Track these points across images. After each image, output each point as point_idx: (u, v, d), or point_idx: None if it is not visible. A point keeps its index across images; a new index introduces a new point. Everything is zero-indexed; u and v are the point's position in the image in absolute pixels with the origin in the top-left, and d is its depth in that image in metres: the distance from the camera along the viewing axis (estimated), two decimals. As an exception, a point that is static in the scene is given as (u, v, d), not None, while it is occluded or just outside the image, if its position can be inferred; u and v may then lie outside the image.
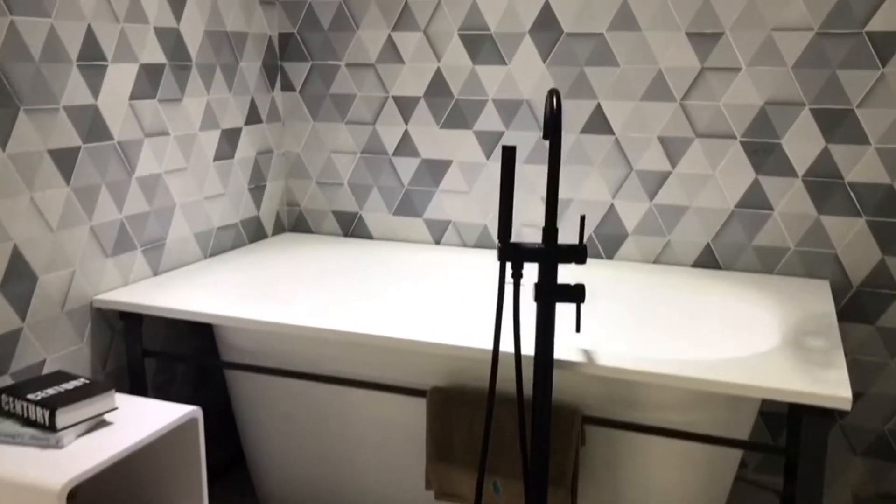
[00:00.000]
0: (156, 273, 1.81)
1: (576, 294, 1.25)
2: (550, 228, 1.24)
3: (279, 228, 2.28)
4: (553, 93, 1.23)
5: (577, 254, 1.24)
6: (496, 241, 1.67)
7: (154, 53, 1.77)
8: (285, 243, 2.16)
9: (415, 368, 1.52)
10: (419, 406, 1.56)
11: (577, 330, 1.29)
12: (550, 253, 1.24)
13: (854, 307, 1.82)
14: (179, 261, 1.89)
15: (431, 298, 2.04)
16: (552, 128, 1.21)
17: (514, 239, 2.07)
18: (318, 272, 2.05)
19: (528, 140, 2.01)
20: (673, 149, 1.90)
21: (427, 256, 2.07)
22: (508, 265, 1.83)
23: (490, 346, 1.37)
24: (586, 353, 1.33)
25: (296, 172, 2.27)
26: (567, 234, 2.01)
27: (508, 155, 1.23)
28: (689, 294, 1.78)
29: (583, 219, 1.25)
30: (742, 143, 1.85)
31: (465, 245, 2.14)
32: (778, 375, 1.25)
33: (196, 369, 1.97)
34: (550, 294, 1.25)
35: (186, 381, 1.94)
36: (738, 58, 1.81)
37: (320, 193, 2.25)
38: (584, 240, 1.30)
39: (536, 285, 1.25)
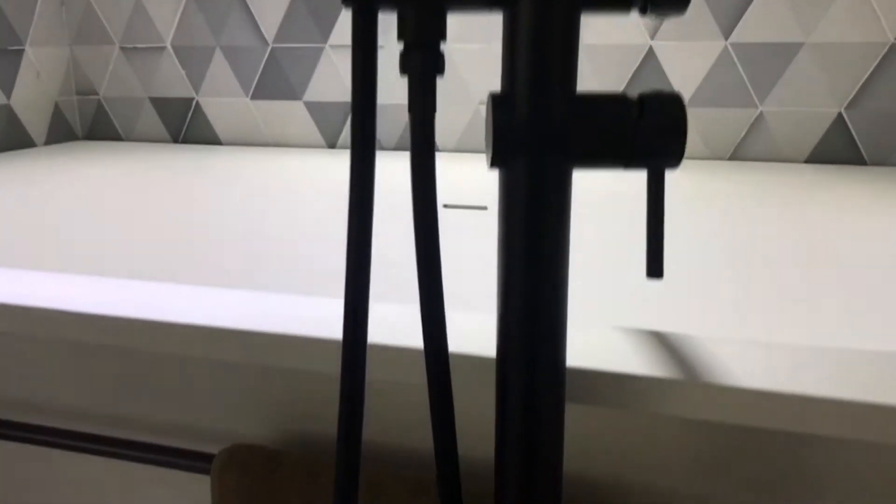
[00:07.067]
0: None
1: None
2: None
3: (62, 133, 1.34)
4: None
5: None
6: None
7: None
8: (64, 161, 1.22)
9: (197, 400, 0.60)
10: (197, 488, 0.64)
11: (654, 273, 0.38)
12: None
13: None
14: None
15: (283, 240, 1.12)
16: None
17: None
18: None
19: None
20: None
21: (312, 175, 1.14)
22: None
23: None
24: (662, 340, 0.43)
25: (86, 34, 1.32)
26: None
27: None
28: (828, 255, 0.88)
29: None
30: None
31: (380, 146, 1.22)
32: None
33: None
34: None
35: None
36: None
37: (129, 68, 1.31)
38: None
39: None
